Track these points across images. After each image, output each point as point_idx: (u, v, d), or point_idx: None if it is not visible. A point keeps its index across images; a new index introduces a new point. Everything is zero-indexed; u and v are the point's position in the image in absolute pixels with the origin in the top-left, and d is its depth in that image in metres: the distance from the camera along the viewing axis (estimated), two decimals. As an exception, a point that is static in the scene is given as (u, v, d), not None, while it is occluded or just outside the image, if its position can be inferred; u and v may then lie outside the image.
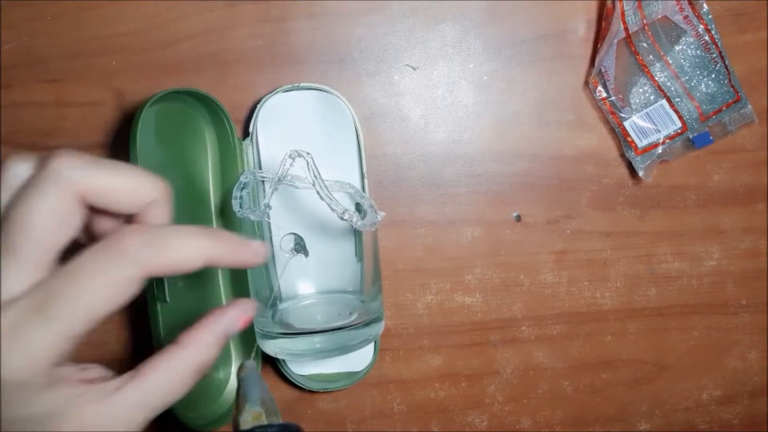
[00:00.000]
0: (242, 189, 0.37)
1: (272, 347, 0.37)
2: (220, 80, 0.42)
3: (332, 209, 0.35)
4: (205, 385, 0.41)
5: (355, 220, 0.35)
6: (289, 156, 0.35)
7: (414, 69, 0.44)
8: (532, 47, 0.44)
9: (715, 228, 0.46)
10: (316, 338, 0.36)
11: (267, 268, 0.40)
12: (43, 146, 0.42)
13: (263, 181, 0.40)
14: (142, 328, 0.43)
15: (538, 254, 0.45)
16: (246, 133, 0.41)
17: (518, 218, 0.45)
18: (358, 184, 0.41)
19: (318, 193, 0.35)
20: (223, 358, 0.42)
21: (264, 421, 0.24)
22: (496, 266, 0.45)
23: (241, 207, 0.36)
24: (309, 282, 0.40)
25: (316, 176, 0.35)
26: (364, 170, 0.41)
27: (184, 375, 0.25)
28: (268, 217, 0.36)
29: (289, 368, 0.42)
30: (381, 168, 0.44)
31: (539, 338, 0.45)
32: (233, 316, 0.27)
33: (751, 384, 0.47)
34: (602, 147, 0.45)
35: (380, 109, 0.44)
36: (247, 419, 0.24)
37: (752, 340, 0.47)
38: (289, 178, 0.36)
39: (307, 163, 0.35)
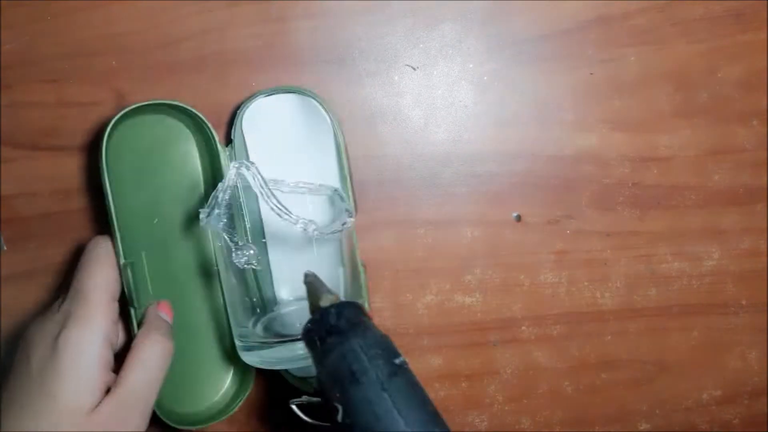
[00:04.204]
0: (216, 201, 0.36)
1: (254, 358, 0.37)
2: (220, 80, 0.42)
3: (283, 219, 0.34)
4: (198, 385, 0.41)
5: (310, 229, 0.34)
6: (235, 167, 0.34)
7: (414, 69, 0.44)
8: (532, 47, 0.44)
9: (715, 228, 0.46)
10: (298, 345, 0.35)
11: (240, 280, 0.39)
12: (44, 146, 0.42)
13: (239, 190, 0.39)
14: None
15: (538, 254, 0.45)
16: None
17: (518, 218, 0.45)
18: (339, 186, 0.40)
19: (267, 203, 0.34)
20: (218, 359, 0.42)
21: (340, 300, 0.30)
22: (496, 266, 0.45)
23: (207, 216, 0.35)
24: (285, 290, 0.40)
25: (262, 186, 0.34)
26: (346, 171, 0.40)
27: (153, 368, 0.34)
28: (225, 228, 0.35)
29: (288, 370, 0.42)
30: (381, 168, 0.44)
31: (539, 338, 0.45)
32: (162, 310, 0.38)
33: (751, 384, 0.47)
34: (602, 147, 0.45)
35: (380, 109, 0.44)
36: (327, 301, 0.30)
37: (752, 340, 0.47)
38: (272, 183, 0.36)
39: (252, 175, 0.34)
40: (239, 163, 0.34)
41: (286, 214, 0.34)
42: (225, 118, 0.42)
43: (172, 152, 0.40)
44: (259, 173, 0.34)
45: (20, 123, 0.42)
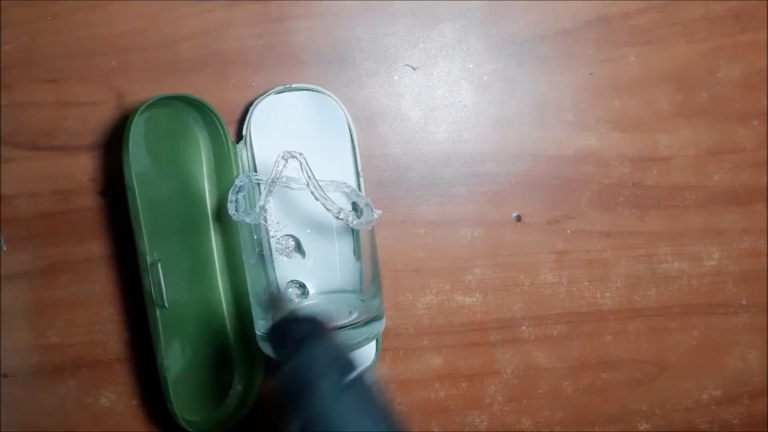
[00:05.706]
0: (237, 192, 0.37)
1: (270, 349, 0.37)
2: (220, 80, 0.42)
3: (327, 209, 0.35)
4: (207, 388, 0.41)
5: (350, 219, 0.35)
6: (282, 157, 0.35)
7: (414, 69, 0.44)
8: (532, 47, 0.44)
9: (715, 228, 0.46)
10: None
11: (265, 271, 0.40)
12: (43, 146, 0.42)
13: (258, 184, 0.40)
14: (142, 328, 0.43)
15: (538, 254, 0.45)
16: (241, 136, 0.41)
17: (518, 218, 0.45)
18: (353, 183, 0.41)
19: (312, 193, 0.35)
20: (224, 362, 0.42)
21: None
22: (496, 266, 0.45)
23: (236, 210, 0.36)
24: (307, 283, 0.40)
25: (309, 176, 0.35)
26: (359, 169, 0.41)
27: None
28: (264, 220, 0.36)
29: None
30: (381, 168, 0.44)
31: (539, 338, 0.45)
32: None
33: (751, 384, 0.47)
34: (602, 147, 0.45)
35: (380, 109, 0.44)
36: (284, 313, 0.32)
37: (752, 340, 0.47)
38: (284, 179, 0.36)
39: (300, 164, 0.35)
40: (288, 152, 0.35)
41: (330, 204, 0.35)
42: (225, 117, 0.42)
43: (181, 147, 0.40)
44: (306, 162, 0.35)
45: (20, 123, 0.42)
